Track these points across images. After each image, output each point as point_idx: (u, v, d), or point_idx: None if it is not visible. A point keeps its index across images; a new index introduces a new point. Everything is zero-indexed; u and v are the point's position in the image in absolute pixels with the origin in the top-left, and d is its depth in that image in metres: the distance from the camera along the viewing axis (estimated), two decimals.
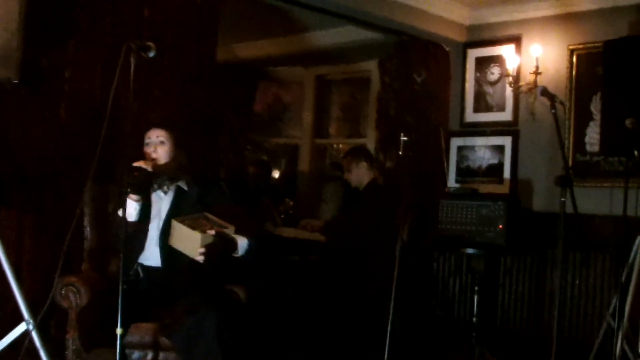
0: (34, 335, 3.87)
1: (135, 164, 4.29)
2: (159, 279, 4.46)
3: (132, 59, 3.69)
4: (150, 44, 3.81)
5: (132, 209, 4.39)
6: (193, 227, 4.32)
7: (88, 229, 4.77)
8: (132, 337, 4.20)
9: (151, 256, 4.52)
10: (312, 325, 6.65)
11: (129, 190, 4.23)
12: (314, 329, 6.60)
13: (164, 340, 4.25)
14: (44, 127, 4.76)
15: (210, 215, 4.50)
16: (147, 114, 5.23)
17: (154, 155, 4.51)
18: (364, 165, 6.74)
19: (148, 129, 4.59)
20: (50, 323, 4.62)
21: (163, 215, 4.55)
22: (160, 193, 4.60)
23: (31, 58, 4.64)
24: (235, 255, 4.43)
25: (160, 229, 4.51)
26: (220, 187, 4.93)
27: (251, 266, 5.34)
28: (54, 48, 4.81)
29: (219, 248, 4.32)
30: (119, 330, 3.55)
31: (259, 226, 4.79)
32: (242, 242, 4.44)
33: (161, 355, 4.32)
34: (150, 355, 4.31)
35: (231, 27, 6.88)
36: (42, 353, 3.87)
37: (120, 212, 4.33)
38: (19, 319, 3.90)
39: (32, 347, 3.89)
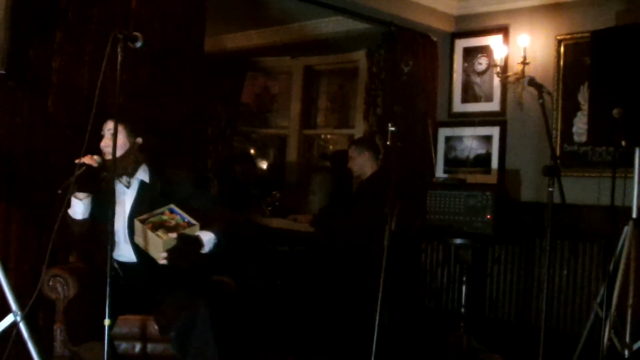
0: (22, 327, 3.86)
1: (79, 160, 4.13)
2: (138, 274, 4.42)
3: (119, 50, 3.67)
4: (137, 34, 3.78)
5: (78, 207, 4.30)
6: (156, 228, 4.24)
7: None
8: (119, 329, 4.19)
9: (125, 252, 4.46)
10: (301, 316, 6.65)
11: (65, 189, 4.07)
12: (303, 319, 6.61)
13: (151, 332, 4.25)
14: (31, 118, 4.73)
15: (176, 209, 4.39)
16: (134, 105, 5.22)
17: (106, 149, 4.33)
18: (367, 155, 6.73)
19: (103, 120, 4.40)
20: (38, 314, 4.62)
21: (127, 210, 4.45)
22: (122, 187, 4.47)
23: (18, 49, 4.61)
24: (203, 252, 4.31)
25: (127, 225, 4.42)
26: (189, 175, 4.74)
27: (237, 256, 5.32)
28: (40, 39, 4.78)
29: (181, 251, 4.21)
30: (106, 322, 3.53)
31: (229, 214, 4.65)
32: (208, 237, 4.31)
33: (149, 346, 4.32)
34: (138, 346, 4.31)
35: (219, 17, 6.87)
36: (30, 344, 3.87)
37: (70, 212, 4.31)
38: (6, 310, 3.89)
39: (20, 339, 3.88)
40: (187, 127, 5.67)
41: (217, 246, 4.36)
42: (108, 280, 3.53)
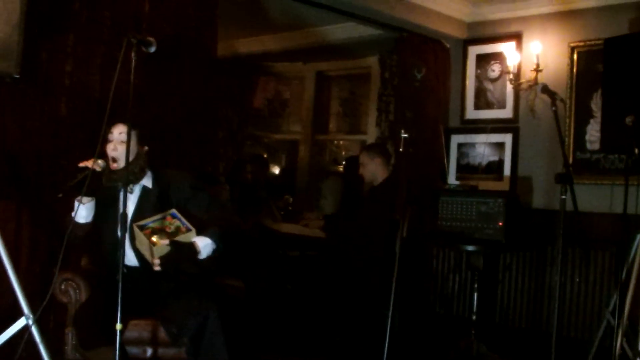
0: (34, 330, 3.86)
1: (82, 164, 4.12)
2: (141, 278, 4.39)
3: (132, 54, 3.67)
4: (151, 39, 3.79)
5: (80, 211, 4.25)
6: (154, 233, 4.23)
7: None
8: (130, 334, 4.18)
9: (129, 257, 4.42)
10: (311, 321, 6.65)
11: (65, 192, 4.11)
12: (313, 324, 6.61)
13: (162, 336, 4.25)
14: (44, 121, 4.75)
15: (177, 213, 4.37)
16: (148, 108, 5.23)
17: (113, 154, 4.29)
18: (378, 161, 6.73)
19: (113, 124, 4.32)
20: (49, 318, 4.62)
21: (129, 216, 4.34)
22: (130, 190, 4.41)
23: (31, 52, 4.63)
24: (201, 258, 4.29)
25: (129, 230, 4.34)
26: (186, 176, 4.68)
27: (247, 260, 5.32)
28: (54, 42, 4.79)
29: (174, 258, 4.20)
30: (118, 326, 3.53)
31: (229, 214, 4.62)
32: (205, 243, 4.28)
33: (160, 351, 4.32)
34: (149, 351, 4.31)
35: (231, 22, 6.89)
36: (41, 348, 3.87)
37: (73, 215, 4.24)
38: (17, 313, 3.89)
39: (31, 342, 3.88)
40: (198, 131, 5.68)
41: (215, 251, 4.33)
42: (119, 284, 3.53)
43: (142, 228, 4.27)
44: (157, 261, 4.19)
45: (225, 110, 9.06)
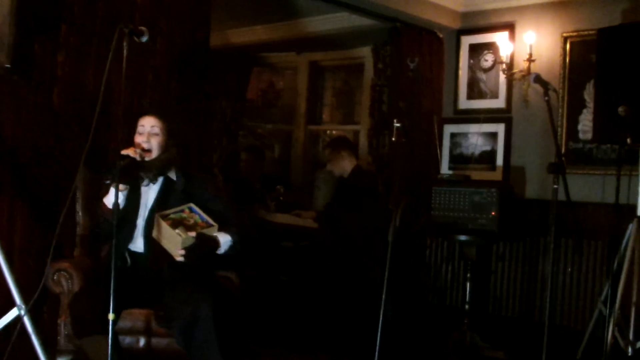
0: (26, 321, 3.86)
1: (124, 152, 4.18)
2: (144, 265, 4.43)
3: (124, 44, 3.67)
4: (143, 28, 3.79)
5: (119, 198, 4.34)
6: (176, 225, 4.28)
7: (80, 214, 4.76)
8: (124, 324, 4.20)
9: (137, 243, 4.49)
10: (305, 311, 6.66)
11: (113, 178, 4.17)
12: (307, 315, 6.62)
13: (156, 326, 4.26)
14: (36, 112, 4.73)
15: (196, 208, 4.44)
16: (141, 100, 5.23)
17: (146, 146, 4.39)
18: (344, 154, 6.82)
19: (141, 115, 4.50)
20: (42, 308, 4.62)
21: (149, 205, 4.49)
22: (147, 182, 4.52)
23: (23, 43, 4.61)
24: (219, 252, 4.40)
25: (146, 219, 4.46)
26: (210, 179, 4.81)
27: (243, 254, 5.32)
28: (46, 33, 4.77)
29: (199, 250, 4.29)
30: (111, 316, 3.54)
31: (246, 220, 4.71)
32: (225, 239, 4.40)
33: (153, 340, 4.33)
34: (142, 341, 4.32)
35: (225, 12, 6.88)
36: (34, 338, 3.87)
37: (105, 201, 4.35)
38: (11, 304, 3.90)
39: (24, 332, 3.88)
40: (192, 122, 5.67)
41: (232, 249, 4.44)
42: (112, 274, 3.54)
43: (164, 218, 4.32)
44: (181, 252, 4.25)
45: (219, 101, 9.05)
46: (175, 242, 4.27)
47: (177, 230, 4.26)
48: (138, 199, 4.48)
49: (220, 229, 4.41)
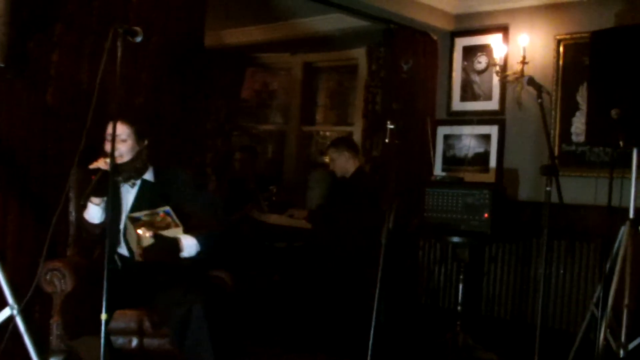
0: (18, 320, 3.86)
1: (93, 166, 4.20)
2: (133, 268, 4.43)
3: (119, 44, 3.67)
4: (137, 28, 3.78)
5: (94, 212, 4.38)
6: (146, 225, 4.30)
7: (73, 213, 4.76)
8: (116, 324, 4.20)
9: (123, 248, 4.50)
10: (298, 311, 6.66)
11: (88, 197, 4.25)
12: (301, 315, 6.62)
13: (148, 327, 4.26)
14: (30, 110, 4.73)
15: (171, 211, 4.44)
16: (135, 99, 5.23)
17: (115, 153, 4.23)
18: (346, 155, 6.78)
19: (108, 122, 4.35)
20: (34, 308, 4.61)
21: (127, 208, 4.50)
22: (127, 186, 4.53)
23: (17, 42, 4.60)
24: (185, 256, 4.38)
25: (125, 223, 4.47)
26: (189, 178, 4.74)
27: (235, 251, 5.31)
28: (40, 32, 4.77)
29: (156, 250, 4.27)
30: (103, 316, 3.54)
31: (222, 223, 4.67)
32: (190, 242, 4.37)
33: (146, 341, 4.32)
34: (135, 341, 4.32)
35: (219, 12, 6.87)
36: (26, 338, 3.87)
37: (86, 216, 4.39)
38: (3, 303, 3.89)
39: (16, 332, 3.88)
40: (186, 122, 5.67)
41: (200, 253, 4.41)
42: (105, 274, 3.53)
43: (134, 220, 4.33)
44: (139, 251, 4.26)
45: (213, 101, 9.04)
46: (135, 241, 4.30)
47: (138, 230, 4.27)
48: (120, 205, 4.49)
49: (189, 232, 4.39)
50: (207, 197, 4.72)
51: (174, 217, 4.41)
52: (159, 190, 4.56)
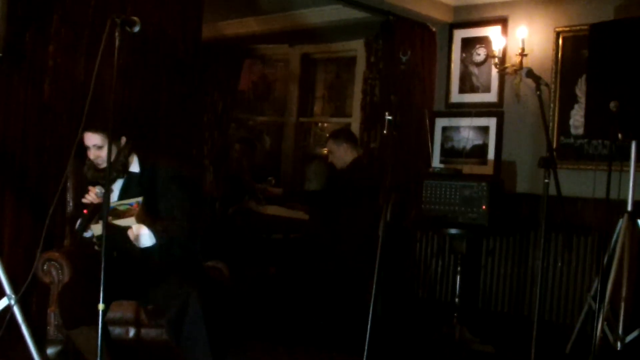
0: (16, 311, 3.86)
1: (86, 200, 4.30)
2: (127, 259, 4.43)
3: (116, 34, 3.65)
4: (135, 18, 3.76)
5: (91, 234, 4.43)
6: (110, 215, 4.25)
7: (71, 204, 4.76)
8: (113, 314, 4.20)
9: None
10: (294, 304, 6.65)
11: (84, 228, 4.36)
12: (297, 307, 6.61)
13: (145, 317, 4.26)
14: (27, 103, 4.73)
15: (142, 201, 4.44)
16: (132, 92, 5.22)
17: (97, 161, 4.45)
18: (345, 146, 6.73)
19: (82, 132, 4.36)
20: (32, 298, 4.62)
21: (115, 199, 4.52)
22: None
23: (14, 34, 4.60)
24: (143, 246, 4.39)
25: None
26: (170, 171, 4.69)
27: (231, 243, 5.29)
28: (37, 24, 4.76)
29: (106, 239, 4.28)
30: (100, 306, 3.53)
31: (186, 220, 4.64)
32: (143, 232, 4.37)
33: (143, 331, 4.33)
34: (132, 331, 4.32)
35: (217, 4, 6.86)
36: (23, 328, 3.87)
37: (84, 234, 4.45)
38: (0, 294, 3.89)
39: (13, 322, 3.88)
40: (184, 114, 5.66)
41: (155, 245, 4.41)
42: (102, 265, 3.53)
43: (111, 210, 4.31)
44: (94, 240, 4.35)
45: (211, 93, 9.02)
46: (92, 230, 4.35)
47: (95, 220, 4.30)
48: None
49: (147, 222, 4.39)
50: (179, 190, 4.65)
51: (142, 207, 4.40)
52: (143, 181, 4.58)
